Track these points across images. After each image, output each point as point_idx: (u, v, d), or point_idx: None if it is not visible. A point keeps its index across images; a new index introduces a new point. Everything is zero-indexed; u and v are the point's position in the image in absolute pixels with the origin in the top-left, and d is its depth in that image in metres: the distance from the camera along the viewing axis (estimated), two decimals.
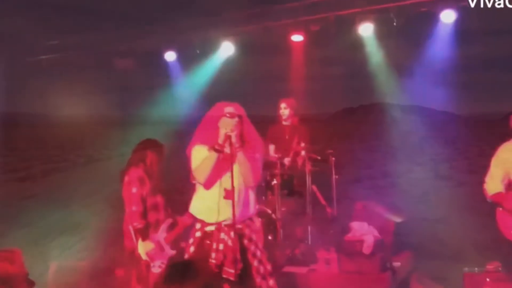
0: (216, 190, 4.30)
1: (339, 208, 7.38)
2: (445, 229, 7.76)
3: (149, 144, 5.38)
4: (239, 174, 4.29)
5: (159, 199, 5.30)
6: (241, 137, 4.31)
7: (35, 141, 30.74)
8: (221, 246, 4.29)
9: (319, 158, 7.37)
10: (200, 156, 4.33)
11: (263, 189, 7.25)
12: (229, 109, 4.34)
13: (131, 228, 5.20)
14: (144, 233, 5.14)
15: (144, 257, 5.15)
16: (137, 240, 5.16)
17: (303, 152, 7.40)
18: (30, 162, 19.77)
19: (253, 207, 4.48)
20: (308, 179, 7.21)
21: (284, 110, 7.69)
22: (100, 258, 6.59)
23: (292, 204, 7.28)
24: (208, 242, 4.33)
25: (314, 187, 7.33)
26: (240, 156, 4.25)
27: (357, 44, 9.25)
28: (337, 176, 7.41)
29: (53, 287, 5.66)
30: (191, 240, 4.45)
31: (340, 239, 6.45)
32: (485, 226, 7.07)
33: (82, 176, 16.10)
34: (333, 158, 7.39)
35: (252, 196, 4.45)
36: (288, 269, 6.33)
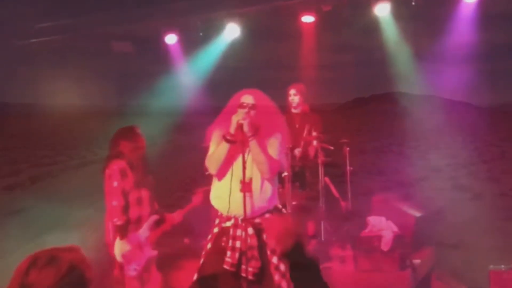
0: (228, 182, 4.27)
1: (354, 202, 7.33)
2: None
3: (125, 133, 5.25)
4: (253, 165, 4.26)
5: (143, 193, 5.18)
6: (255, 125, 4.27)
7: (23, 137, 29.97)
8: (237, 244, 4.23)
9: (332, 148, 7.28)
10: (215, 145, 4.35)
11: None
12: (246, 97, 4.36)
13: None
14: (123, 231, 5.01)
15: (119, 258, 5.01)
16: (114, 238, 5.03)
17: (314, 142, 7.33)
18: (18, 165, 18.69)
19: (272, 200, 4.41)
20: (321, 171, 7.13)
21: (294, 97, 7.59)
22: (99, 258, 6.50)
23: (303, 197, 7.21)
24: (224, 239, 4.29)
25: (327, 179, 7.25)
26: (253, 145, 4.22)
27: (372, 27, 9.13)
28: (351, 168, 7.36)
29: None
30: (209, 236, 4.43)
31: (356, 235, 6.39)
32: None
33: (75, 182, 15.36)
34: (348, 148, 7.33)
35: (269, 187, 4.37)
36: None
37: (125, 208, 5.02)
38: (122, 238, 4.99)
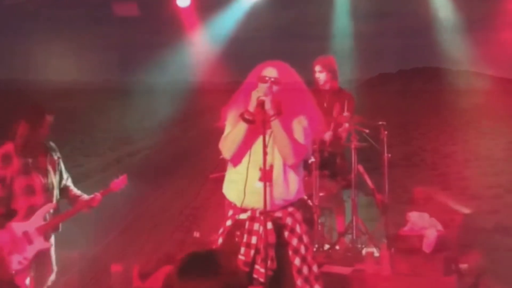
0: (245, 168, 4.18)
1: (391, 195, 7.19)
2: None
3: (24, 112, 5.27)
4: (276, 149, 4.18)
5: (36, 179, 5.21)
6: (279, 103, 4.18)
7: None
8: (253, 240, 4.15)
9: (367, 131, 7.17)
10: (231, 125, 4.29)
11: None
12: (268, 70, 4.26)
13: None
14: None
15: None
16: None
17: (346, 124, 7.22)
18: None
19: (296, 191, 4.30)
20: (354, 158, 7.01)
21: (319, 74, 7.43)
22: (96, 251, 6.44)
23: (333, 188, 7.11)
24: (238, 233, 4.22)
25: (361, 168, 7.10)
26: (275, 126, 4.12)
27: None
28: (389, 155, 7.21)
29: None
30: (220, 230, 4.37)
31: (394, 233, 6.35)
32: None
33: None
34: (386, 132, 7.16)
35: (293, 176, 4.27)
36: (327, 268, 6.15)
37: (5, 198, 5.10)
38: None
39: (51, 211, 5.31)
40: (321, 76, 7.39)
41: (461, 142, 19.60)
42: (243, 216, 4.25)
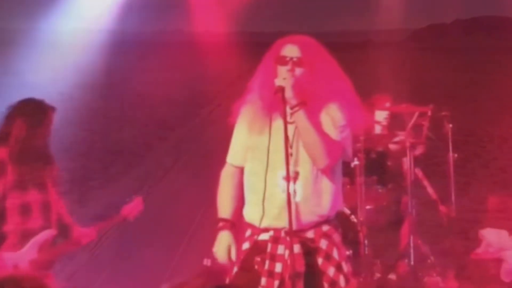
0: (262, 175, 4.02)
1: (460, 206, 7.07)
2: None
3: (23, 108, 5.17)
4: (301, 149, 4.03)
5: (32, 196, 5.11)
6: (303, 90, 4.03)
7: None
8: (277, 267, 3.99)
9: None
10: (247, 123, 4.20)
11: None
12: (289, 49, 4.13)
13: None
14: None
15: None
16: None
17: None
18: None
19: (331, 203, 4.13)
20: (410, 158, 6.95)
21: None
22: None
23: (383, 198, 7.08)
24: (259, 259, 4.05)
25: (419, 172, 7.09)
26: (300, 119, 3.97)
27: None
28: (456, 155, 7.16)
29: None
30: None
31: (464, 257, 6.60)
32: None
33: None
34: (450, 125, 7.11)
35: (328, 184, 4.10)
36: None
37: None
38: None
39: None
40: None
41: None
42: (264, 236, 4.12)
